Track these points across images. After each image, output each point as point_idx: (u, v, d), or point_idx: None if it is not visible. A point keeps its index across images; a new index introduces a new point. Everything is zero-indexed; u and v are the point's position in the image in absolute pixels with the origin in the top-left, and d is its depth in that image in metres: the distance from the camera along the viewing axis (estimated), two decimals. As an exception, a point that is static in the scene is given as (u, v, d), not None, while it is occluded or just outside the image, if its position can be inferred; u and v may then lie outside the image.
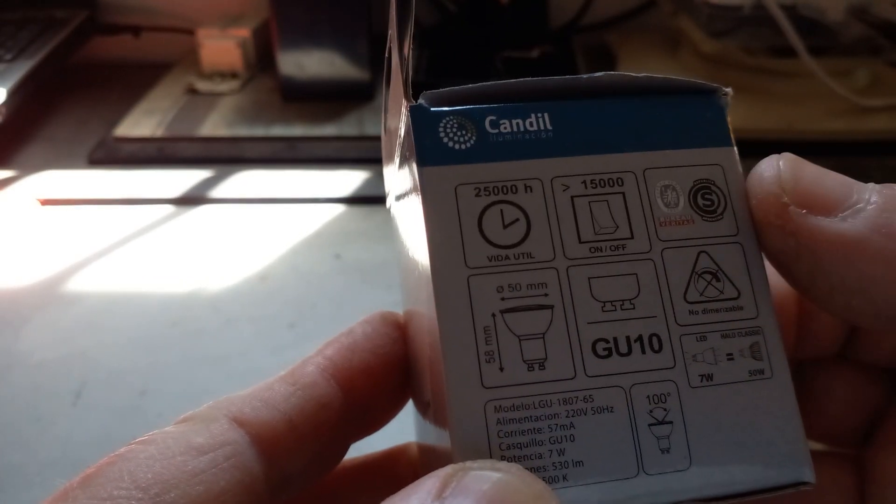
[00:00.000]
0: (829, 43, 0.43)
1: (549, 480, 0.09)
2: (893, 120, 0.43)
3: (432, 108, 0.10)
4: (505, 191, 0.10)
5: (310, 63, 0.49)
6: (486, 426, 0.09)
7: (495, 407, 0.09)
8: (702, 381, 0.10)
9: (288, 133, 0.47)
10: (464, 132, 0.10)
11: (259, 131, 0.47)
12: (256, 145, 0.46)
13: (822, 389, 0.13)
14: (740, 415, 0.10)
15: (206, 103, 0.50)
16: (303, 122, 0.48)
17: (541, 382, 0.09)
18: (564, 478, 0.09)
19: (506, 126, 0.10)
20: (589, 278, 0.10)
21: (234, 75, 0.53)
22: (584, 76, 0.11)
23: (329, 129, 0.47)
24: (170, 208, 0.41)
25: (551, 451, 0.09)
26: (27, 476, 0.26)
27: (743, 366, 0.10)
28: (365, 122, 0.48)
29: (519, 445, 0.09)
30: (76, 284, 0.36)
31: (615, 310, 0.10)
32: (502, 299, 0.10)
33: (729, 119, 0.11)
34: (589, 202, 0.10)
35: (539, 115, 0.10)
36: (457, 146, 0.10)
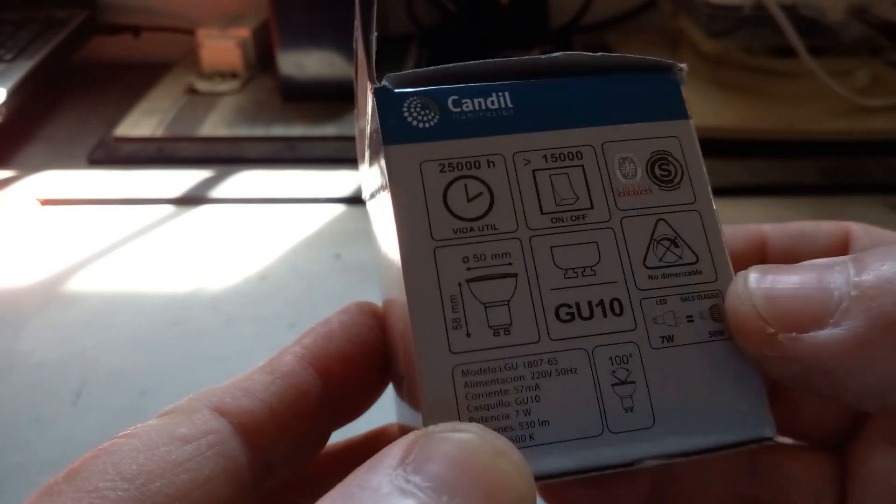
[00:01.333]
0: (829, 43, 0.43)
1: (517, 440, 0.09)
2: (893, 119, 0.43)
3: (396, 90, 0.11)
4: (468, 166, 0.10)
5: (310, 63, 0.49)
6: (454, 389, 0.09)
7: (462, 371, 0.10)
8: (663, 342, 0.10)
9: (288, 133, 0.47)
10: (427, 111, 0.10)
11: (259, 131, 0.47)
12: (256, 145, 0.46)
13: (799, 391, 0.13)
14: (702, 374, 0.10)
15: (206, 103, 0.50)
16: (303, 122, 0.48)
17: (506, 347, 0.10)
18: (531, 437, 0.09)
19: (468, 105, 0.11)
20: (551, 247, 0.10)
21: (234, 75, 0.53)
22: (543, 56, 0.11)
23: (329, 129, 0.47)
24: (170, 208, 0.41)
25: (518, 411, 0.09)
26: (27, 476, 0.26)
27: (703, 327, 0.10)
28: (365, 122, 0.48)
29: (486, 406, 0.09)
30: (76, 284, 0.36)
31: (577, 276, 0.10)
32: (468, 269, 0.10)
33: (685, 93, 0.11)
34: (549, 175, 0.10)
35: (500, 94, 0.11)
36: (420, 125, 0.10)
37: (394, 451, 0.09)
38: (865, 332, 0.09)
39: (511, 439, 0.09)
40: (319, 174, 0.43)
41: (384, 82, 0.11)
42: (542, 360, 0.10)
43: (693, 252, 0.11)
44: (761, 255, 0.13)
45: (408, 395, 0.10)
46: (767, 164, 0.42)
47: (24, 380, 0.30)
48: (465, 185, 0.10)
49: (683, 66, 0.11)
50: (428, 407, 0.09)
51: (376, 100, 0.10)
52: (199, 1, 0.58)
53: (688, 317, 0.10)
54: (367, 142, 0.12)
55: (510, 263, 0.10)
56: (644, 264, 0.10)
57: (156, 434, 0.10)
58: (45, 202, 0.42)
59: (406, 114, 0.10)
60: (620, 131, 0.11)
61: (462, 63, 0.11)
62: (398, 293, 0.10)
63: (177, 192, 0.42)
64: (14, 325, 0.33)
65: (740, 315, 0.10)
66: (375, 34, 0.11)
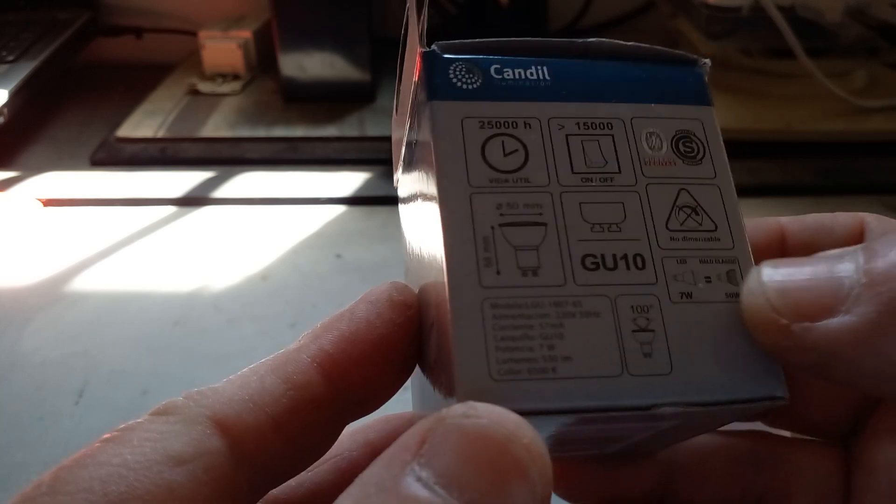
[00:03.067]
0: (828, 44, 0.43)
1: (539, 371, 0.10)
2: (891, 120, 0.44)
3: (444, 55, 0.11)
4: (506, 125, 0.11)
5: (311, 64, 0.49)
6: (482, 320, 0.10)
7: (491, 304, 0.10)
8: (682, 297, 0.11)
9: (289, 134, 0.47)
10: (471, 75, 0.11)
11: (260, 132, 0.47)
12: (258, 146, 0.46)
13: (805, 382, 0.13)
14: (718, 331, 0.11)
15: (207, 104, 0.50)
16: (304, 123, 0.48)
17: (533, 287, 0.10)
18: (553, 370, 0.10)
19: (509, 73, 0.11)
20: (580, 203, 0.11)
21: (235, 77, 0.53)
22: (579, 40, 0.12)
23: (330, 130, 0.47)
24: (172, 209, 0.41)
25: (542, 345, 0.10)
26: (30, 474, 0.26)
27: (720, 288, 0.11)
28: (365, 123, 0.48)
29: (512, 338, 0.10)
30: (79, 284, 0.36)
31: (603, 231, 0.11)
32: (501, 214, 0.11)
33: (708, 84, 0.12)
34: (581, 140, 0.11)
35: (539, 67, 0.12)
36: (464, 86, 0.11)
37: (409, 443, 0.08)
38: (877, 318, 0.09)
39: (534, 371, 0.10)
40: (320, 175, 0.44)
41: (433, 47, 0.11)
42: (567, 301, 0.10)
43: (712, 221, 0.11)
44: (781, 247, 0.13)
45: (437, 346, 0.11)
46: (766, 164, 0.42)
47: (27, 379, 0.31)
48: (503, 142, 0.11)
49: (707, 60, 0.12)
50: (457, 339, 0.10)
51: (424, 62, 0.11)
52: (201, 3, 0.58)
53: (706, 277, 0.11)
54: (407, 126, 0.12)
55: (541, 213, 0.11)
56: (666, 227, 0.11)
57: (149, 448, 0.09)
58: (48, 203, 0.42)
59: (451, 76, 0.11)
60: (649, 109, 0.12)
61: (504, 38, 0.12)
62: (434, 246, 0.11)
63: (179, 193, 0.42)
64: (17, 325, 0.34)
65: (755, 309, 0.10)
66: (427, 6, 0.12)
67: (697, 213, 0.11)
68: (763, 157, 0.42)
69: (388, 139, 0.49)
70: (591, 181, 0.11)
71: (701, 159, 0.12)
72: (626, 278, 0.11)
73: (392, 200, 0.41)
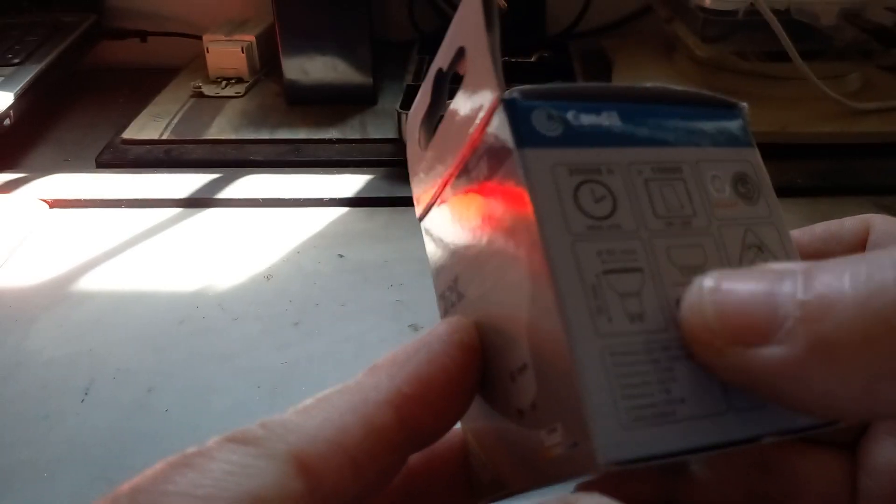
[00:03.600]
0: (822, 47, 0.44)
1: (662, 416, 0.10)
2: (885, 123, 0.44)
3: (524, 101, 0.11)
4: (592, 171, 0.11)
5: (314, 68, 0.50)
6: (605, 369, 0.10)
7: (610, 352, 0.10)
8: None
9: (292, 136, 0.48)
10: (552, 122, 0.12)
11: (264, 134, 0.48)
12: (261, 148, 0.47)
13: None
14: None
15: (212, 107, 0.51)
16: (307, 126, 0.48)
17: (642, 332, 0.11)
18: (674, 413, 0.10)
19: (585, 119, 0.12)
20: (667, 247, 0.11)
21: (239, 80, 0.53)
22: (639, 86, 0.12)
23: (332, 133, 0.48)
24: (176, 210, 0.42)
25: (660, 390, 0.10)
26: (36, 472, 0.27)
27: None
28: (367, 126, 0.49)
29: (632, 385, 0.10)
30: (84, 284, 0.36)
31: (691, 274, 0.11)
32: (602, 262, 0.11)
33: (750, 126, 0.13)
34: (659, 185, 0.12)
35: (609, 112, 0.12)
36: (548, 133, 0.11)
37: None
38: (802, 355, 0.09)
39: (658, 415, 0.10)
40: (323, 177, 0.44)
41: (513, 94, 0.11)
42: (672, 344, 0.11)
43: (775, 257, 0.12)
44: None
45: (535, 378, 0.11)
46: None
47: (32, 378, 0.31)
48: (592, 189, 0.11)
49: (745, 104, 0.13)
50: (584, 384, 0.10)
51: (508, 109, 0.11)
52: (206, 7, 0.59)
53: None
54: (453, 166, 0.13)
55: (636, 259, 0.11)
56: (740, 265, 0.12)
57: (232, 483, 0.09)
58: (54, 204, 0.42)
59: (535, 123, 0.11)
60: (709, 153, 0.12)
61: (570, 84, 0.12)
62: (532, 293, 0.11)
63: (183, 194, 0.43)
64: (23, 324, 0.34)
65: (692, 325, 0.10)
66: (499, 42, 0.12)
67: (762, 251, 0.12)
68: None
69: (389, 141, 0.49)
70: (673, 225, 0.11)
71: (757, 199, 0.12)
72: None
73: (393, 201, 0.42)
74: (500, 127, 0.11)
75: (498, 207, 0.12)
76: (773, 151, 0.45)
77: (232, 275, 0.37)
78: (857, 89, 0.47)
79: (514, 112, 0.11)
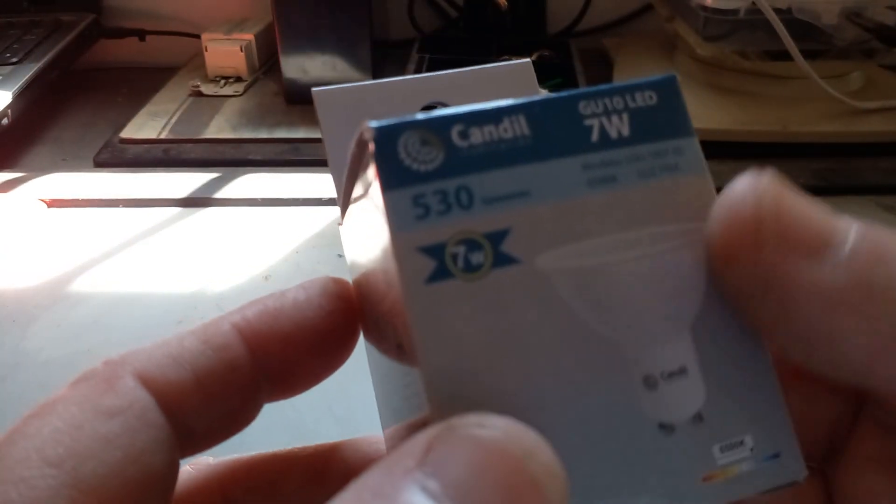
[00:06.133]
0: (824, 46, 0.44)
1: None
2: (887, 122, 0.44)
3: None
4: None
5: (312, 67, 0.50)
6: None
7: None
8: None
9: (291, 135, 0.47)
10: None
11: (263, 133, 0.48)
12: (260, 147, 0.47)
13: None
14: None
15: (210, 106, 0.51)
16: (306, 125, 0.48)
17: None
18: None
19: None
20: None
21: (238, 79, 0.53)
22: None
23: (331, 132, 0.48)
24: (175, 209, 0.42)
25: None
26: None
27: None
28: (366, 125, 0.49)
29: None
30: (82, 284, 0.36)
31: None
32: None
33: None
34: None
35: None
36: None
37: (413, 450, 0.08)
38: (845, 285, 0.09)
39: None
40: (322, 176, 0.44)
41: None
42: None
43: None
44: None
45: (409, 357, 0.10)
46: (762, 166, 0.42)
47: (30, 378, 0.31)
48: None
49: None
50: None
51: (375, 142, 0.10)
52: (204, 5, 0.59)
53: None
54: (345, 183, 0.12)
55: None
56: None
57: (77, 409, 0.09)
58: (52, 203, 0.42)
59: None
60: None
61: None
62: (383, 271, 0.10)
63: (182, 194, 0.42)
64: (21, 324, 0.34)
65: (744, 204, 0.09)
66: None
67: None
68: (760, 158, 0.43)
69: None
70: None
71: None
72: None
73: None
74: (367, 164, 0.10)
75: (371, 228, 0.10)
76: (775, 151, 0.45)
77: (230, 275, 0.37)
78: (859, 88, 0.46)
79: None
